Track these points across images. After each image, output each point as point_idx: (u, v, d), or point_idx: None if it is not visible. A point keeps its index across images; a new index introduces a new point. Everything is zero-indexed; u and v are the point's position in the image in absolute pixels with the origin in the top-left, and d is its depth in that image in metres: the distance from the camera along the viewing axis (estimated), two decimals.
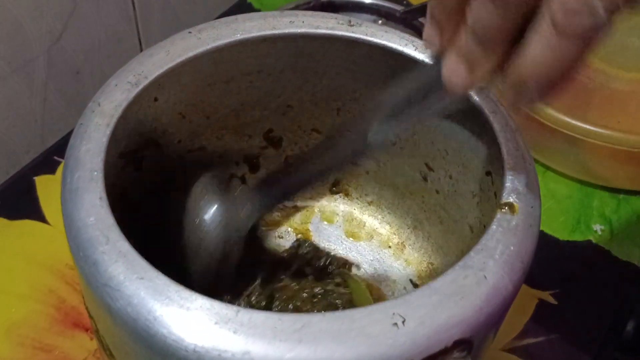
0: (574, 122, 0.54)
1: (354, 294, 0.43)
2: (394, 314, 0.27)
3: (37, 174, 0.55)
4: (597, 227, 0.54)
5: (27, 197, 0.53)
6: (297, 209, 0.50)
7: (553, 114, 0.54)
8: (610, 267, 0.52)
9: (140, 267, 0.28)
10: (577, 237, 0.54)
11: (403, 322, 0.27)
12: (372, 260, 0.49)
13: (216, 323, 0.26)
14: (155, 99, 0.38)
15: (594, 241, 0.54)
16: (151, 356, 0.27)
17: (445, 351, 0.27)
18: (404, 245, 0.49)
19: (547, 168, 0.58)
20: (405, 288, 0.47)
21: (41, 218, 0.52)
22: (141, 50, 0.64)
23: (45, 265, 0.49)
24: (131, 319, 0.27)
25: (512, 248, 0.30)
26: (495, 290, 0.29)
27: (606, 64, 0.58)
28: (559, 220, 0.55)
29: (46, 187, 0.54)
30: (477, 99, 0.36)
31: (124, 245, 0.28)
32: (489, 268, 0.29)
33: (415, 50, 0.38)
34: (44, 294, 0.48)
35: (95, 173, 0.31)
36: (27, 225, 0.51)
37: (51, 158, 0.56)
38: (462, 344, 0.28)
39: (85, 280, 0.29)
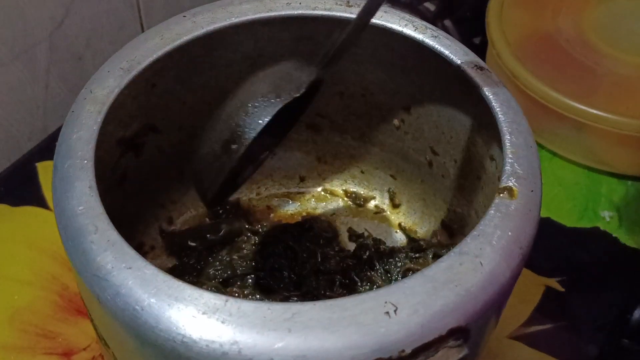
0: (581, 107, 0.53)
1: None
2: (386, 302, 0.26)
3: (39, 160, 0.55)
4: (605, 214, 0.53)
5: (30, 184, 0.53)
6: (302, 195, 0.50)
7: (560, 99, 0.54)
8: (618, 254, 0.51)
9: (129, 256, 0.27)
10: (585, 224, 0.53)
11: (395, 310, 0.26)
12: None
13: (204, 313, 0.26)
14: (153, 85, 0.38)
15: (601, 228, 0.53)
16: (140, 346, 0.27)
17: (440, 340, 0.27)
18: (411, 230, 0.48)
19: (554, 154, 0.57)
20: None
21: (43, 204, 0.52)
22: None
23: (48, 252, 0.49)
24: (119, 309, 0.26)
25: (510, 234, 0.29)
26: (491, 277, 0.28)
27: (614, 49, 0.57)
28: (566, 207, 0.54)
29: (48, 174, 0.53)
30: (478, 79, 0.35)
31: (113, 235, 0.28)
32: (486, 254, 0.28)
33: (415, 30, 0.38)
34: (47, 280, 0.48)
35: (86, 161, 0.30)
36: (30, 211, 0.51)
37: (53, 144, 0.54)
38: (458, 332, 0.27)
39: (75, 269, 0.28)
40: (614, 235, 0.52)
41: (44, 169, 0.54)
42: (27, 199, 0.52)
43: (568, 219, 0.53)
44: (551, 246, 0.51)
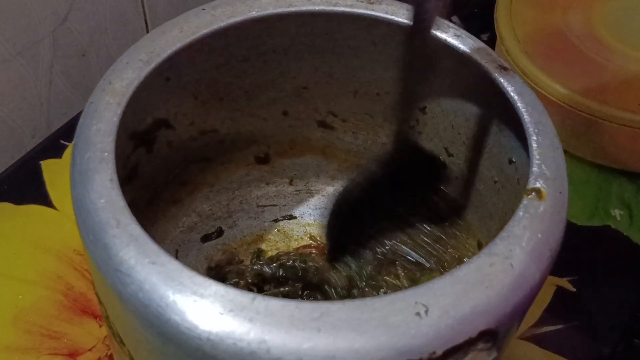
0: (592, 104, 0.53)
1: None
2: (416, 302, 0.26)
3: (43, 158, 0.54)
4: (616, 213, 0.53)
5: (34, 182, 0.52)
6: (310, 194, 0.49)
7: (570, 95, 0.53)
8: (630, 254, 0.51)
9: (152, 251, 0.26)
10: (596, 223, 0.53)
11: (426, 311, 0.26)
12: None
13: (231, 310, 0.25)
14: (168, 79, 0.37)
15: (612, 226, 0.52)
16: (163, 344, 0.26)
17: (470, 342, 0.26)
18: None
19: (564, 152, 0.56)
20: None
21: (48, 203, 0.51)
22: (147, 32, 0.63)
23: (52, 251, 0.48)
24: (142, 306, 0.26)
25: (539, 235, 0.29)
26: (522, 279, 0.28)
27: (625, 45, 0.57)
28: (577, 205, 0.53)
29: (52, 172, 0.53)
30: (502, 80, 0.35)
31: (136, 229, 0.27)
32: (516, 256, 0.28)
33: (437, 29, 0.37)
34: (52, 280, 0.47)
35: (106, 154, 0.30)
36: (34, 210, 0.51)
37: (57, 142, 0.55)
38: (488, 334, 0.27)
39: (95, 265, 0.28)
40: (625, 234, 0.52)
41: (48, 166, 0.53)
42: (31, 197, 0.51)
43: (579, 218, 0.53)
44: (562, 245, 0.50)
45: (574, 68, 0.55)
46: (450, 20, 0.62)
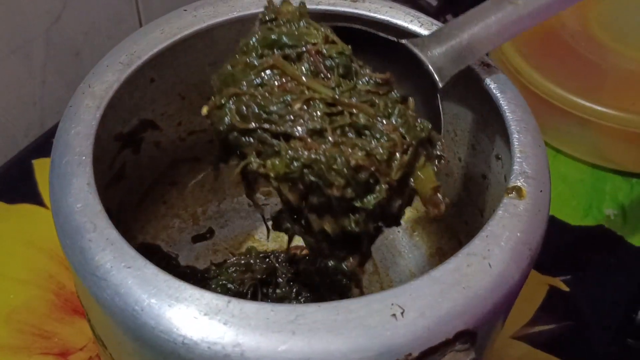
0: (586, 103, 0.53)
1: None
2: (392, 304, 0.26)
3: (35, 157, 0.54)
4: (610, 212, 0.53)
5: (26, 181, 0.52)
6: None
7: (565, 95, 0.53)
8: (623, 253, 0.51)
9: (128, 255, 0.27)
10: (589, 222, 0.52)
11: (402, 313, 0.26)
12: (379, 246, 0.48)
13: (206, 314, 0.25)
14: (152, 80, 0.37)
15: (606, 226, 0.52)
16: (140, 347, 0.26)
17: (447, 343, 0.26)
18: (413, 230, 0.47)
19: (558, 151, 0.57)
20: (413, 274, 0.46)
21: (40, 202, 0.51)
22: None
23: (44, 250, 0.48)
24: (118, 309, 0.26)
25: (519, 235, 0.29)
26: (500, 279, 0.27)
27: (620, 44, 0.57)
28: (571, 204, 0.53)
29: (45, 171, 0.52)
30: (485, 77, 0.35)
31: (112, 233, 0.27)
32: (494, 256, 0.28)
33: (420, 26, 0.37)
34: (44, 279, 0.47)
35: (84, 157, 0.30)
36: (26, 209, 0.51)
37: (50, 141, 0.54)
38: (465, 335, 0.27)
39: (73, 268, 0.28)
40: (619, 233, 0.52)
41: (40, 165, 0.53)
42: (23, 197, 0.51)
43: (572, 217, 0.53)
44: (555, 245, 0.50)
45: (568, 67, 0.55)
46: (445, 20, 0.62)
